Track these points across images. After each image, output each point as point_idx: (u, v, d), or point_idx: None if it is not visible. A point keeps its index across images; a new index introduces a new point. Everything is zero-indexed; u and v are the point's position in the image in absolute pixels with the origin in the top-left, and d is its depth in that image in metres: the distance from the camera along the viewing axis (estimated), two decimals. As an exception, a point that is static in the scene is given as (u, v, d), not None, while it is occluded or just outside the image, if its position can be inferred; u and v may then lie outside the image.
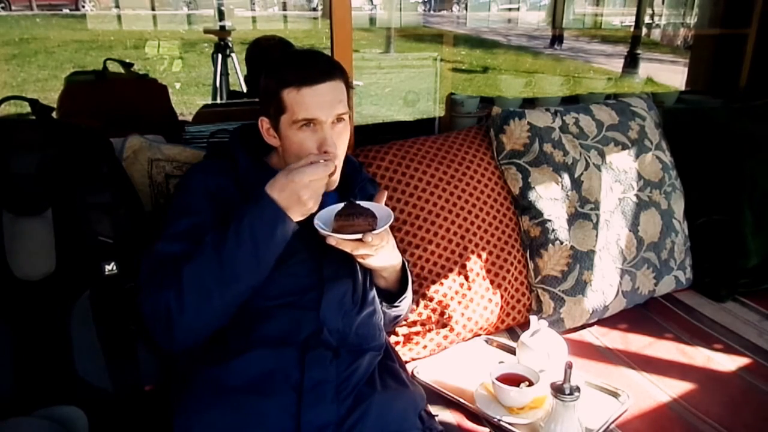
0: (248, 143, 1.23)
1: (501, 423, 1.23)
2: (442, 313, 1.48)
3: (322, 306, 1.12)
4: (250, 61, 2.60)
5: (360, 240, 1.06)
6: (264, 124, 1.18)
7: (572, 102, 2.36)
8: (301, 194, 1.03)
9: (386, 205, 1.51)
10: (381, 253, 1.12)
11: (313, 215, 1.08)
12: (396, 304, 1.29)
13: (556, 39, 10.64)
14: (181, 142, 1.48)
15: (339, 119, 1.13)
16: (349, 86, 1.18)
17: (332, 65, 1.15)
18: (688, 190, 1.86)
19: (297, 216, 1.06)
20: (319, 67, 1.13)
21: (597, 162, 1.69)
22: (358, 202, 1.10)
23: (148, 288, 1.05)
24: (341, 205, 1.09)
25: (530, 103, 2.41)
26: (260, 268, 1.06)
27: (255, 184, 1.14)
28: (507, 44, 11.10)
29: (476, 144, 1.66)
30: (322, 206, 1.20)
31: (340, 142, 1.14)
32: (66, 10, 10.48)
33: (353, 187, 1.27)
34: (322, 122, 1.11)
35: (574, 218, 1.62)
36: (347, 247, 1.08)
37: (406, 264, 1.28)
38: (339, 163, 1.14)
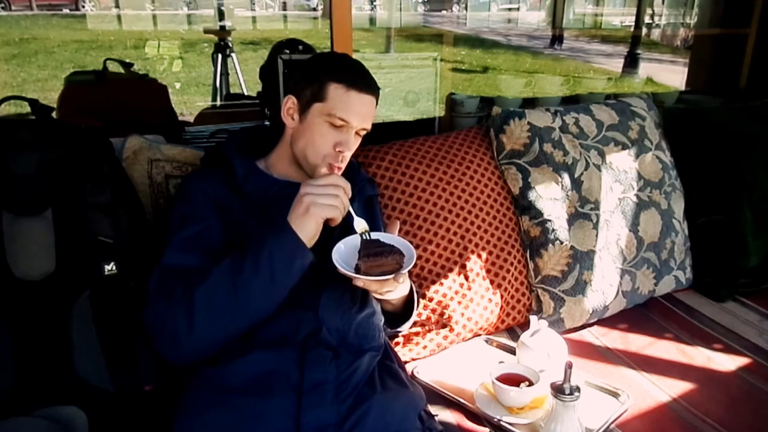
0: (244, 148, 1.24)
1: (501, 423, 1.23)
2: (442, 314, 1.48)
3: (321, 304, 1.12)
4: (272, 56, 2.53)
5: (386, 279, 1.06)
6: (288, 102, 1.21)
7: (572, 102, 2.37)
8: (306, 200, 1.03)
9: (386, 205, 1.51)
10: (400, 287, 1.14)
11: (330, 248, 1.07)
12: (399, 328, 1.31)
13: (556, 39, 10.64)
14: (181, 142, 1.48)
15: (362, 131, 1.20)
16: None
17: (376, 84, 1.21)
18: (688, 190, 1.86)
19: (308, 229, 1.04)
20: (369, 79, 1.20)
21: (597, 162, 1.69)
22: (374, 236, 1.09)
23: (155, 301, 1.04)
24: (354, 237, 1.08)
25: (530, 103, 2.41)
26: (274, 296, 1.05)
27: (253, 191, 1.16)
28: (507, 44, 11.10)
29: (476, 144, 1.66)
30: None
31: (353, 150, 1.21)
32: (66, 10, 10.47)
33: (352, 187, 1.26)
34: (351, 128, 1.17)
35: (574, 218, 1.62)
36: (373, 287, 1.09)
37: (414, 289, 1.28)
38: (343, 166, 1.20)
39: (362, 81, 1.18)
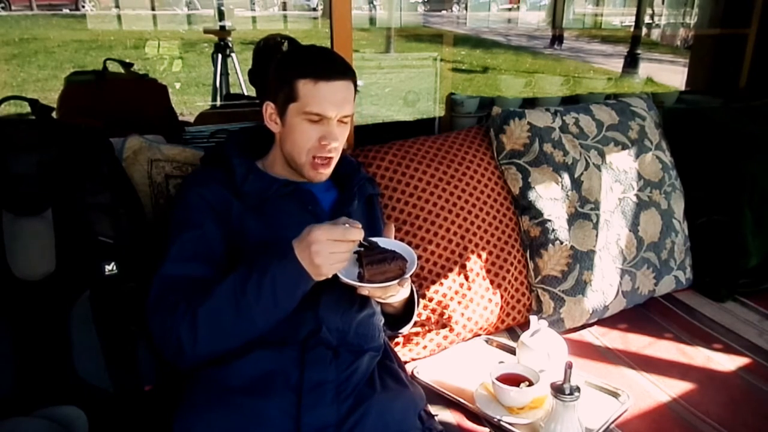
0: (244, 149, 1.24)
1: (501, 423, 1.23)
2: (441, 314, 1.48)
3: (321, 303, 1.12)
4: (258, 55, 2.55)
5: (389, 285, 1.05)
6: (268, 108, 1.19)
7: (572, 102, 2.36)
8: (312, 250, 0.98)
9: (386, 205, 1.51)
10: (402, 290, 1.14)
11: None
12: (400, 330, 1.31)
13: (556, 39, 10.64)
14: (181, 143, 1.48)
15: (344, 119, 1.16)
16: (356, 89, 1.20)
17: (347, 66, 1.18)
18: (688, 190, 1.86)
19: (313, 275, 1.01)
20: (337, 64, 1.16)
21: (597, 162, 1.69)
22: (373, 241, 1.07)
23: (160, 313, 1.04)
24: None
25: (530, 103, 2.41)
26: (276, 317, 1.05)
27: (252, 190, 1.15)
28: (507, 44, 11.10)
29: (476, 144, 1.66)
30: (319, 205, 1.20)
31: (341, 139, 1.17)
32: (66, 10, 10.46)
33: (352, 187, 1.27)
34: (329, 119, 1.13)
35: (574, 218, 1.62)
36: (378, 293, 1.09)
37: (414, 290, 1.28)
38: (336, 155, 1.18)
39: (329, 69, 1.13)
